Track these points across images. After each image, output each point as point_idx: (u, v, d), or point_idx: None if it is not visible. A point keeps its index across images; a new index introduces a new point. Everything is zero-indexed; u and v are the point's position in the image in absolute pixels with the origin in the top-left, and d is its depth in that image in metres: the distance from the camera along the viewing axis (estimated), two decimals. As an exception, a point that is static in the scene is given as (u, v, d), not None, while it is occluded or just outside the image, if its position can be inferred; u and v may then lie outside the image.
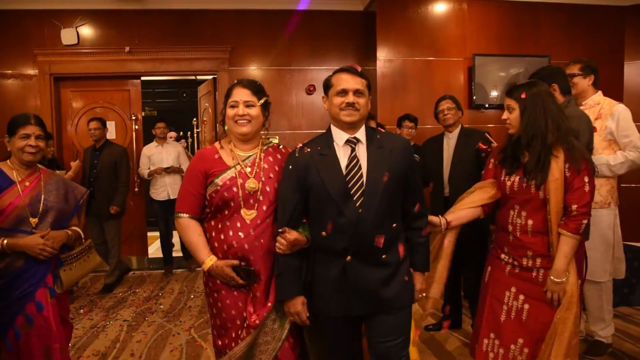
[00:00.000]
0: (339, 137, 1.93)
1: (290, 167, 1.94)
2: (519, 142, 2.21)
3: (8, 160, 2.23)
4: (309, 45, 5.66)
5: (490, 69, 5.28)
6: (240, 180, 1.99)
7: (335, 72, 1.96)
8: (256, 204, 2.00)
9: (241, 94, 2.02)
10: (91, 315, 4.10)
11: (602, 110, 3.06)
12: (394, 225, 1.92)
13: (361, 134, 1.94)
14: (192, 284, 5.07)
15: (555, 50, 5.41)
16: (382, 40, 5.18)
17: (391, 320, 1.95)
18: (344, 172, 1.87)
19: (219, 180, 1.99)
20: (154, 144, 5.55)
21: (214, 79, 5.73)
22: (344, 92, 1.89)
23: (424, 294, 2.06)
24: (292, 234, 1.88)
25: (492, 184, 2.33)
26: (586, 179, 2.09)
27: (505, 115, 2.26)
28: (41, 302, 2.07)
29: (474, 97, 5.25)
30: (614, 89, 5.48)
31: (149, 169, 5.44)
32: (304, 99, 5.68)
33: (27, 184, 2.18)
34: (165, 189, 5.43)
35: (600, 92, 3.13)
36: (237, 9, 5.49)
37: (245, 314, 2.00)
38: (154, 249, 6.47)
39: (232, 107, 2.03)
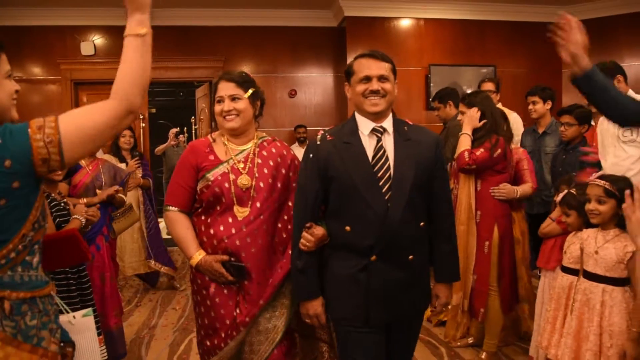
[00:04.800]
0: (365, 125, 1.76)
1: (311, 155, 1.78)
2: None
3: None
4: (291, 55, 6.45)
5: (443, 76, 6.13)
6: (232, 176, 1.87)
7: (357, 57, 1.79)
8: (250, 201, 1.87)
9: (226, 88, 1.90)
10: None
11: None
12: (422, 224, 1.77)
13: (388, 123, 1.77)
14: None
15: (500, 60, 6.28)
16: (352, 52, 5.96)
17: (403, 336, 1.85)
18: (371, 163, 1.70)
19: (210, 175, 1.87)
20: None
21: (210, 83, 6.62)
22: (367, 79, 1.72)
23: (449, 306, 1.94)
24: (319, 230, 1.74)
25: None
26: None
27: (460, 116, 2.92)
28: (99, 244, 2.99)
29: (431, 101, 6.18)
30: (553, 95, 6.47)
31: None
32: (287, 101, 6.52)
33: (90, 167, 3.24)
34: None
35: (500, 103, 4.15)
36: (230, 25, 6.25)
37: (235, 313, 1.86)
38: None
39: (219, 102, 1.91)
